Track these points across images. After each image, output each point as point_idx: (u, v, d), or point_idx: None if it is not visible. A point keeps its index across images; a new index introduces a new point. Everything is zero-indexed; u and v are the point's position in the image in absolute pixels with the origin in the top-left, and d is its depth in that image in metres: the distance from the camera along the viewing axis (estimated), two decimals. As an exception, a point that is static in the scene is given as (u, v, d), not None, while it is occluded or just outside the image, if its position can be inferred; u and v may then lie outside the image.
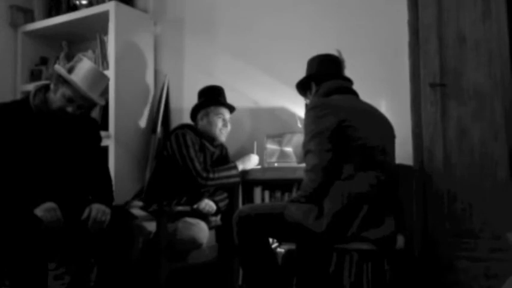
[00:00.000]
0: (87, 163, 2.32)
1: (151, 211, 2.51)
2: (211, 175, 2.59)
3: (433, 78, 2.57)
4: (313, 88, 2.19)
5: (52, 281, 2.32)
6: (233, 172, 2.68)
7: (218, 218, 2.73)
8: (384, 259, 1.97)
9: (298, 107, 2.87)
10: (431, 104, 2.56)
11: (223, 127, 2.76)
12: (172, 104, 3.37)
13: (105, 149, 2.99)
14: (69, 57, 3.48)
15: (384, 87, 2.72)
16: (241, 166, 2.72)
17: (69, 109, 2.19)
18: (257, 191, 2.80)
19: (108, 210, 2.17)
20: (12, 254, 1.95)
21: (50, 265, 2.22)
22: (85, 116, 2.37)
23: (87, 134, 2.37)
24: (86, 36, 3.50)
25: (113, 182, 2.46)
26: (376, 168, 1.94)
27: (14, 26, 3.63)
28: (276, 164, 2.80)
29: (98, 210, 2.14)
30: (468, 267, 2.40)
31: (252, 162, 2.79)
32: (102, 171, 2.41)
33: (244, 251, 2.02)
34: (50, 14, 3.58)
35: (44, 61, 3.66)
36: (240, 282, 2.63)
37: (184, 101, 3.36)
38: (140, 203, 2.64)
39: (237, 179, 2.71)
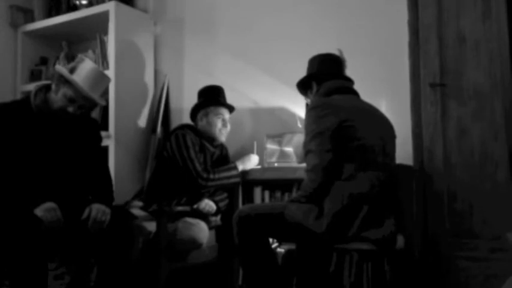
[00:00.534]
0: (87, 163, 2.32)
1: (151, 211, 2.52)
2: (211, 176, 2.59)
3: (433, 78, 2.57)
4: (314, 87, 2.19)
5: (52, 281, 2.32)
6: (233, 172, 2.68)
7: (218, 218, 2.73)
8: (384, 259, 1.97)
9: (298, 107, 2.87)
10: (431, 104, 2.56)
11: (222, 127, 2.76)
12: (172, 104, 3.37)
13: (105, 149, 2.99)
14: (69, 57, 3.48)
15: (384, 87, 2.72)
16: (241, 166, 2.72)
17: (70, 109, 2.19)
18: (257, 191, 2.80)
19: (108, 210, 2.17)
20: (12, 254, 1.95)
21: (50, 265, 2.22)
22: (85, 116, 2.37)
23: (87, 134, 2.37)
24: (86, 36, 3.50)
25: (113, 182, 2.46)
26: (377, 169, 1.94)
27: (14, 26, 3.63)
28: (276, 164, 2.80)
29: (98, 210, 2.14)
30: (468, 267, 2.40)
31: (252, 162, 2.79)
32: (102, 171, 2.41)
33: (244, 251, 2.02)
34: (50, 14, 3.58)
35: (44, 61, 3.66)
36: (240, 282, 2.63)
37: (184, 101, 3.36)
38: (140, 203, 2.64)
39: (237, 179, 2.71)
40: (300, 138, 2.46)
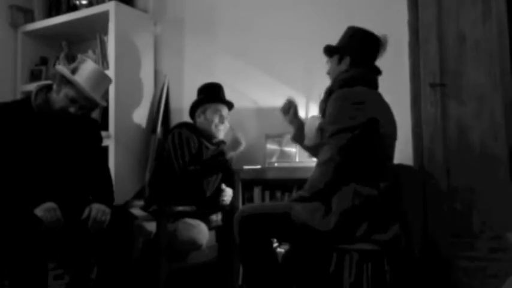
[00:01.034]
0: (87, 163, 2.32)
1: (151, 211, 2.51)
2: (191, 167, 2.56)
3: (433, 78, 2.57)
4: (345, 63, 2.08)
5: (52, 281, 2.31)
6: (221, 158, 2.63)
7: (219, 218, 2.73)
8: (384, 259, 1.96)
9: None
10: (431, 103, 2.56)
11: (219, 123, 2.74)
12: (172, 104, 3.37)
13: (105, 149, 2.99)
14: (69, 57, 3.49)
15: (383, 87, 2.71)
16: (231, 152, 2.66)
17: (72, 110, 2.19)
18: (257, 191, 2.80)
19: (108, 210, 2.17)
20: (12, 254, 1.95)
21: (49, 265, 2.22)
22: (86, 117, 2.37)
23: (88, 135, 2.37)
24: (86, 36, 3.50)
25: (113, 182, 2.46)
26: (387, 170, 1.93)
27: (14, 26, 3.63)
28: (276, 164, 2.80)
29: (98, 210, 2.14)
30: (468, 267, 2.40)
31: (238, 142, 2.68)
32: (102, 171, 2.42)
33: (246, 251, 2.01)
34: (50, 14, 3.58)
35: (44, 61, 3.66)
36: (240, 282, 2.63)
37: (184, 101, 3.36)
38: (140, 203, 2.64)
39: (225, 158, 2.64)
40: (314, 120, 2.39)
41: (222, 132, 2.78)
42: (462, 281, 2.40)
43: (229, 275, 2.67)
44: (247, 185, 2.80)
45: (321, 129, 1.98)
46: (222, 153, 2.65)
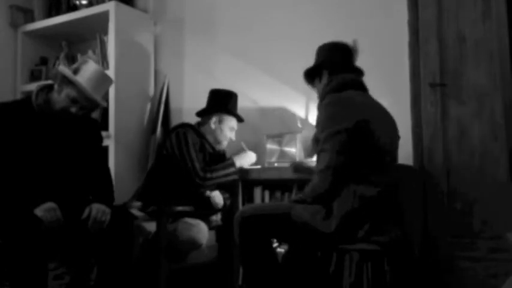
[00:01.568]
0: (87, 163, 2.32)
1: (151, 211, 2.51)
2: (208, 175, 2.57)
3: (433, 78, 2.57)
4: (325, 77, 2.12)
5: (52, 281, 2.31)
6: (231, 170, 2.66)
7: (219, 218, 2.73)
8: (384, 259, 1.96)
9: (298, 107, 2.87)
10: (431, 104, 2.56)
11: (229, 138, 2.78)
12: (172, 104, 3.37)
13: (105, 149, 2.99)
14: (69, 57, 3.49)
15: (384, 87, 2.71)
16: (238, 162, 2.68)
17: (73, 110, 2.20)
18: (257, 191, 2.80)
19: (108, 210, 2.17)
20: (12, 254, 1.96)
21: (50, 265, 2.22)
22: (86, 117, 2.37)
23: (88, 135, 2.37)
24: (86, 36, 3.50)
25: (113, 182, 2.46)
26: (387, 171, 1.93)
27: (14, 26, 3.63)
28: (276, 164, 2.80)
29: (98, 210, 2.14)
30: (468, 267, 2.40)
31: (249, 159, 2.76)
32: (102, 171, 2.42)
33: (246, 251, 2.01)
34: (50, 14, 3.59)
35: (44, 61, 3.66)
36: (240, 282, 2.63)
37: (184, 101, 3.37)
38: (139, 203, 2.64)
39: (235, 176, 2.68)
40: (308, 132, 2.41)
41: (223, 145, 2.80)
42: (462, 281, 2.40)
43: (229, 275, 2.67)
44: (248, 185, 2.80)
45: (316, 140, 1.98)
46: (232, 164, 2.67)
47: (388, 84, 2.72)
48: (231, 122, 2.78)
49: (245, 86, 3.10)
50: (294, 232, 1.95)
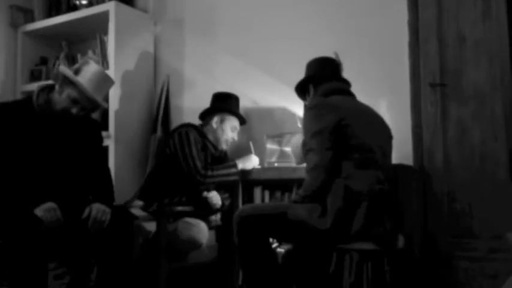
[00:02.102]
0: (88, 163, 2.32)
1: (151, 211, 2.51)
2: (209, 173, 2.58)
3: (433, 78, 2.57)
4: (312, 90, 2.21)
5: (52, 280, 2.31)
6: (232, 170, 2.67)
7: (218, 218, 2.73)
8: (384, 259, 1.97)
9: (298, 107, 2.87)
10: (431, 104, 2.56)
11: (232, 138, 2.79)
12: (173, 104, 3.37)
13: (105, 149, 2.99)
14: (69, 57, 3.49)
15: (384, 87, 2.72)
16: (241, 165, 2.70)
17: (74, 110, 2.20)
18: (257, 191, 2.80)
19: (108, 210, 2.17)
20: (12, 254, 1.96)
21: (50, 265, 2.23)
22: (87, 117, 2.37)
23: (88, 135, 2.38)
24: (86, 36, 3.50)
25: (113, 182, 2.46)
26: (376, 168, 1.94)
27: (14, 26, 3.63)
28: (276, 164, 2.80)
29: (98, 210, 2.14)
30: (468, 267, 2.40)
31: (252, 162, 2.78)
32: (102, 171, 2.42)
33: (245, 251, 2.02)
34: (50, 14, 3.59)
35: (44, 61, 3.66)
36: (240, 282, 2.63)
37: (185, 101, 3.36)
38: (140, 203, 2.64)
39: (236, 177, 2.69)
40: (298, 138, 2.46)
41: (226, 145, 2.81)
42: (462, 281, 2.40)
43: (229, 275, 2.68)
44: (248, 185, 2.80)
45: (304, 144, 2.04)
46: (234, 166, 2.67)
47: (388, 84, 2.72)
48: (233, 122, 2.79)
49: (245, 86, 3.10)
50: (292, 231, 1.96)
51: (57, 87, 2.21)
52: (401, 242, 2.00)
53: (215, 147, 2.77)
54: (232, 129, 2.79)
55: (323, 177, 1.91)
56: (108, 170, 2.49)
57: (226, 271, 2.70)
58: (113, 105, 3.10)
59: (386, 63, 2.73)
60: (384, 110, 2.52)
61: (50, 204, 2.04)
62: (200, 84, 2.92)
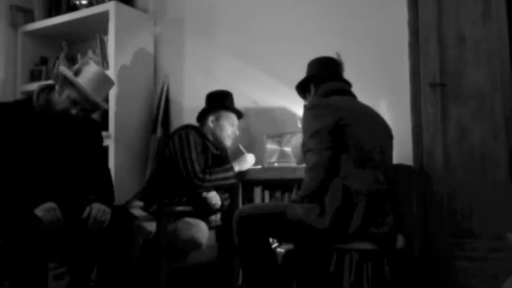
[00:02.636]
0: (88, 163, 2.32)
1: (152, 211, 2.51)
2: (207, 176, 2.58)
3: (433, 78, 2.57)
4: (312, 90, 2.21)
5: (52, 281, 2.32)
6: (229, 174, 2.67)
7: (218, 217, 2.73)
8: (384, 259, 1.97)
9: (298, 107, 2.87)
10: (431, 104, 2.56)
11: (232, 133, 2.78)
12: (173, 104, 3.37)
13: (105, 149, 2.99)
14: (69, 57, 3.49)
15: (384, 87, 2.72)
16: (237, 167, 2.70)
17: (74, 111, 2.20)
18: (257, 191, 2.80)
19: (108, 210, 2.17)
20: (12, 254, 1.95)
21: (50, 265, 2.23)
22: (87, 118, 2.37)
23: (88, 135, 2.38)
24: (86, 36, 3.50)
25: (113, 182, 2.46)
26: (375, 167, 1.94)
27: (14, 26, 3.63)
28: (276, 164, 2.80)
29: (98, 210, 2.14)
30: (468, 267, 2.40)
31: (248, 162, 2.77)
32: (102, 171, 2.42)
33: (245, 251, 2.02)
34: (50, 14, 3.59)
35: (44, 61, 3.66)
36: (240, 282, 2.63)
37: (185, 101, 3.37)
38: (140, 203, 2.64)
39: (233, 181, 2.69)
40: (298, 139, 2.46)
41: (231, 141, 2.80)
42: (461, 281, 2.40)
43: (229, 275, 2.68)
44: (248, 185, 2.80)
45: (303, 144, 2.04)
46: (231, 169, 2.67)
47: (388, 84, 2.72)
48: (229, 118, 2.78)
49: (245, 86, 3.10)
50: (291, 231, 1.96)
51: (57, 87, 2.21)
52: (401, 242, 2.00)
53: (216, 147, 2.77)
54: (231, 124, 2.78)
55: (322, 177, 1.91)
56: (108, 170, 2.49)
57: (226, 271, 2.70)
58: (113, 105, 3.10)
59: (386, 63, 2.73)
60: (384, 110, 2.51)
61: (50, 204, 2.04)
62: (200, 84, 2.92)
